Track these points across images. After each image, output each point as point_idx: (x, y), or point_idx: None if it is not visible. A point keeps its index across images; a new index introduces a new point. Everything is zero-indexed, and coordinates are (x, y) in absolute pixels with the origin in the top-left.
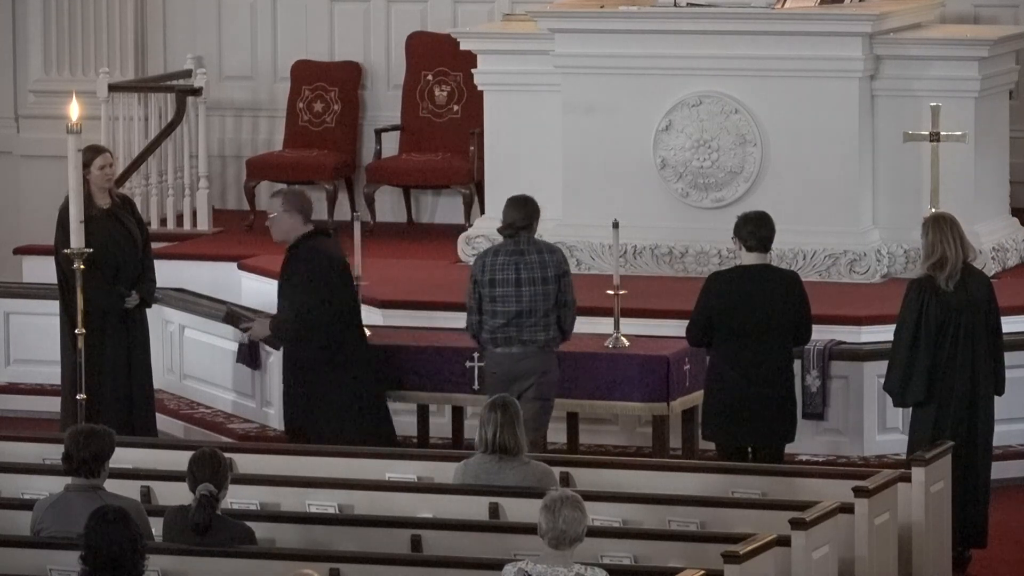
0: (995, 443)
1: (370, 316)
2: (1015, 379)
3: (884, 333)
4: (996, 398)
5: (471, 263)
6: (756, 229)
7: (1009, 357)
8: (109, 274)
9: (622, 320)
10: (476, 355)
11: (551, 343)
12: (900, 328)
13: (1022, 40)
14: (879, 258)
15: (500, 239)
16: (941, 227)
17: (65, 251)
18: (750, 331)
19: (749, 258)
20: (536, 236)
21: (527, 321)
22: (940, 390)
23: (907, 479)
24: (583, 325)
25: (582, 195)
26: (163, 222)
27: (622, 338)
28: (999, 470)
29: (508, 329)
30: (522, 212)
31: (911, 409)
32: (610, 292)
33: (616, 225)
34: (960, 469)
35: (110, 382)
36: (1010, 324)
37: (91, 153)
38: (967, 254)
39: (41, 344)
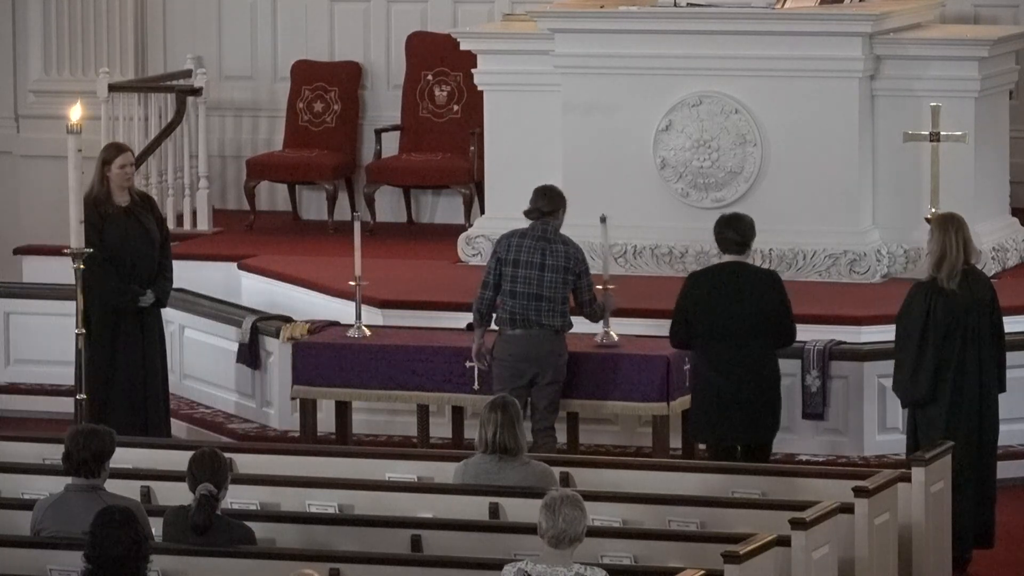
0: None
1: (370, 316)
2: (1015, 379)
3: (884, 333)
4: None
5: (471, 263)
6: (728, 229)
7: (1009, 357)
8: (124, 272)
9: (622, 320)
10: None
11: (565, 328)
12: (906, 329)
13: (1022, 40)
14: (879, 258)
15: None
16: (945, 227)
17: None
18: (726, 330)
19: (727, 258)
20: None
21: (545, 306)
22: (949, 391)
23: (907, 479)
24: (583, 325)
25: (582, 195)
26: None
27: (611, 332)
28: (999, 470)
29: (527, 311)
30: (547, 199)
31: (913, 410)
32: (599, 288)
33: (603, 219)
34: (971, 470)
35: (123, 381)
36: (1010, 324)
37: (112, 151)
38: (969, 256)
39: (41, 344)
